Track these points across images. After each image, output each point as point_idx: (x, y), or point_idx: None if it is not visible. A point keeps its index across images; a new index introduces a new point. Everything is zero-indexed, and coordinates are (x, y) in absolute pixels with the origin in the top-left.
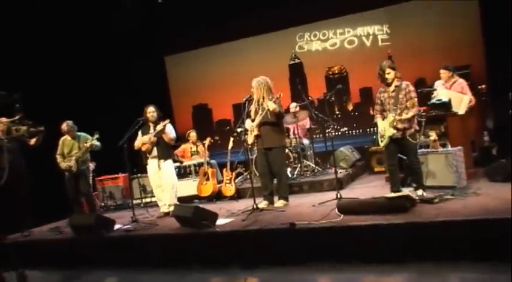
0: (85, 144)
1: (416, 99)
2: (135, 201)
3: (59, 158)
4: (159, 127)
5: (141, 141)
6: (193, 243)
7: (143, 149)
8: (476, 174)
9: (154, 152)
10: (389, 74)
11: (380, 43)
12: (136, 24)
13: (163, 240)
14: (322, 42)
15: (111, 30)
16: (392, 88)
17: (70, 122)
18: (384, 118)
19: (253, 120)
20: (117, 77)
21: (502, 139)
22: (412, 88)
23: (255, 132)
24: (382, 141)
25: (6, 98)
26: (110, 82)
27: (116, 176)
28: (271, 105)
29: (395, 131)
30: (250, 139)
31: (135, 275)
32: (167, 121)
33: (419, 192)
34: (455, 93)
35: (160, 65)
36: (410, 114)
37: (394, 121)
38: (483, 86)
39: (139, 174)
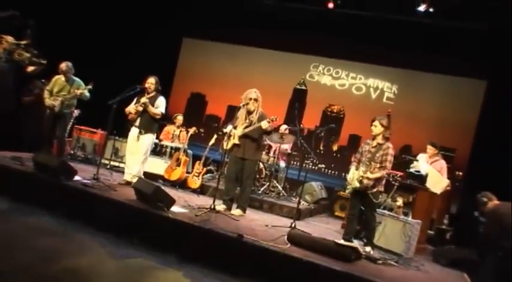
0: (76, 90)
1: (389, 163)
2: (103, 161)
3: (46, 94)
4: (143, 99)
5: (129, 109)
6: (142, 219)
7: (129, 117)
8: (425, 251)
9: (137, 121)
10: (376, 127)
11: (384, 100)
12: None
13: (115, 207)
14: (333, 79)
15: None
16: (374, 143)
17: (70, 64)
18: (357, 168)
19: (235, 127)
20: (132, 40)
21: (458, 228)
22: (391, 152)
23: (236, 141)
24: (348, 189)
25: (20, 20)
26: (124, 42)
27: (94, 130)
28: (265, 125)
29: (358, 185)
30: (228, 145)
31: (75, 229)
32: (157, 96)
33: (368, 248)
34: (436, 173)
35: (177, 43)
36: (376, 175)
37: (360, 176)
38: (460, 173)
39: (116, 137)
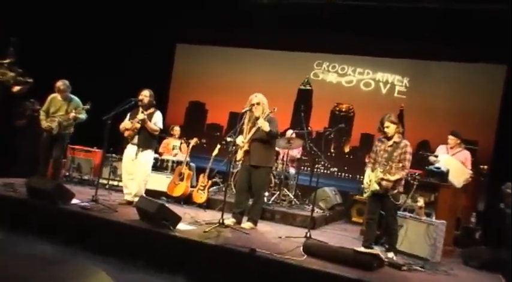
0: (71, 114)
1: (408, 162)
2: (101, 181)
3: (42, 115)
4: (141, 116)
5: (125, 125)
6: (147, 240)
7: (125, 134)
8: (453, 254)
9: (136, 139)
10: (389, 128)
11: (396, 94)
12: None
13: (117, 229)
14: (339, 76)
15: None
16: (390, 142)
17: (67, 82)
18: (373, 169)
19: (245, 137)
20: (123, 51)
21: (488, 225)
22: (409, 150)
23: (245, 147)
24: (365, 192)
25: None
26: (115, 53)
27: (90, 149)
28: (264, 125)
29: (378, 188)
30: (239, 155)
31: (75, 256)
32: (153, 111)
33: (390, 254)
34: (458, 164)
35: (171, 50)
36: (396, 177)
37: (379, 178)
38: (485, 167)
39: (113, 155)
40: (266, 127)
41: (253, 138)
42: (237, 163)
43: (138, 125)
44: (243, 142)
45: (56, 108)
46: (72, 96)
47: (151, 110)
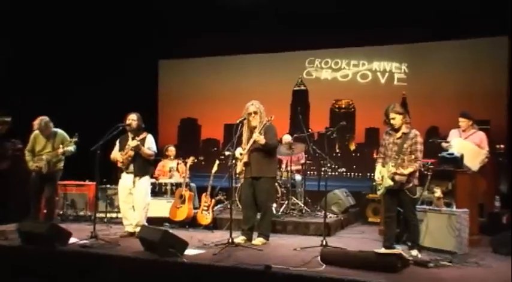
0: (60, 148)
1: (421, 153)
2: (98, 215)
3: (27, 155)
4: (134, 143)
5: (117, 154)
6: (155, 271)
7: (118, 163)
8: (481, 242)
9: (131, 167)
10: (394, 120)
11: (396, 82)
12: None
13: (122, 263)
14: (333, 72)
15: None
16: (399, 134)
17: (45, 119)
18: (384, 164)
19: (244, 149)
20: (105, 75)
21: None
22: (420, 140)
23: (244, 159)
24: (379, 189)
25: None
26: (96, 79)
27: (82, 183)
28: (259, 139)
29: (392, 183)
30: (238, 168)
31: None
32: (144, 135)
33: (414, 252)
34: (471, 146)
35: (154, 68)
36: (409, 170)
37: (392, 172)
38: (501, 146)
39: (108, 186)
40: (261, 141)
41: (252, 148)
42: (239, 177)
43: (132, 153)
44: (241, 154)
45: (41, 146)
46: (56, 129)
47: (143, 134)
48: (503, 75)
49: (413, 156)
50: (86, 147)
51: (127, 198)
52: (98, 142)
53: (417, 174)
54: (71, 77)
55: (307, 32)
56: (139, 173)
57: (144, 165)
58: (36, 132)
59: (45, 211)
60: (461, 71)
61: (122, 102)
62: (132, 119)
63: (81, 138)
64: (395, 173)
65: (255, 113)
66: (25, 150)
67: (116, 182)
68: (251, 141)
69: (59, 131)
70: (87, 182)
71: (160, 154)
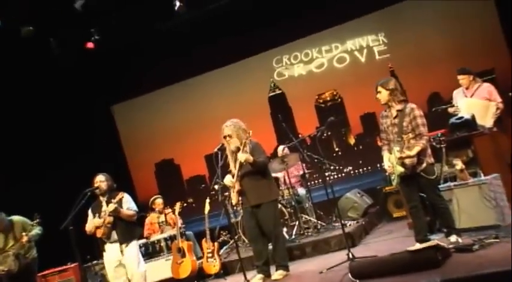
0: (23, 237)
1: (424, 127)
2: None
3: None
4: (111, 207)
5: (94, 224)
6: None
7: (98, 234)
8: None
9: (114, 235)
10: (380, 94)
11: (377, 56)
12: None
13: None
14: (306, 65)
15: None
16: (394, 113)
17: None
18: (391, 150)
19: (234, 175)
20: (56, 138)
21: None
22: (418, 113)
23: (237, 187)
24: (393, 180)
25: None
26: (48, 144)
27: (64, 267)
28: (244, 158)
29: (403, 169)
30: (233, 199)
31: None
32: (121, 195)
33: (453, 238)
34: (478, 101)
35: (107, 116)
36: (417, 149)
37: (399, 157)
38: None
39: (94, 262)
40: (249, 159)
41: (242, 173)
42: (237, 209)
43: (111, 219)
44: (232, 182)
45: (2, 243)
46: (11, 217)
47: (119, 195)
48: (493, 16)
49: (417, 132)
50: (54, 226)
51: (117, 272)
52: (67, 217)
53: (429, 151)
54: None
55: (262, 30)
56: (124, 240)
57: (128, 228)
58: None
59: None
60: (447, 23)
61: (84, 168)
62: (100, 180)
63: (45, 217)
64: (402, 158)
65: (230, 136)
66: None
67: (102, 255)
68: (237, 165)
69: (15, 217)
70: (69, 265)
71: (144, 210)
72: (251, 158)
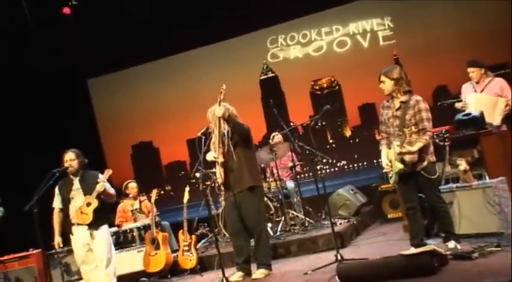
0: None
1: (429, 121)
2: None
3: None
4: (100, 187)
5: (77, 210)
6: None
7: (79, 220)
8: None
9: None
10: (384, 84)
11: (382, 42)
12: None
13: None
14: (303, 47)
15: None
16: (397, 104)
17: None
18: (390, 145)
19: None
20: (23, 112)
21: None
22: (423, 106)
23: (220, 159)
24: (391, 177)
25: None
26: (13, 119)
27: (25, 254)
28: (218, 111)
29: (402, 166)
30: (219, 176)
31: None
32: (110, 172)
33: (451, 244)
34: (488, 97)
35: (82, 90)
36: (419, 145)
37: (398, 153)
38: None
39: (59, 249)
40: (219, 112)
41: (226, 158)
42: (220, 200)
43: (96, 201)
44: (214, 156)
45: None
46: None
47: (106, 172)
48: (508, 6)
49: (420, 127)
50: (17, 208)
51: (87, 257)
52: (32, 198)
53: (431, 148)
54: None
55: (257, 5)
56: (96, 223)
57: (100, 211)
58: None
59: None
60: (459, 11)
61: (52, 143)
62: (70, 158)
63: (6, 197)
64: (402, 153)
65: (224, 117)
66: None
67: (69, 242)
68: (223, 147)
69: None
70: (31, 251)
71: (118, 195)
72: (227, 113)
